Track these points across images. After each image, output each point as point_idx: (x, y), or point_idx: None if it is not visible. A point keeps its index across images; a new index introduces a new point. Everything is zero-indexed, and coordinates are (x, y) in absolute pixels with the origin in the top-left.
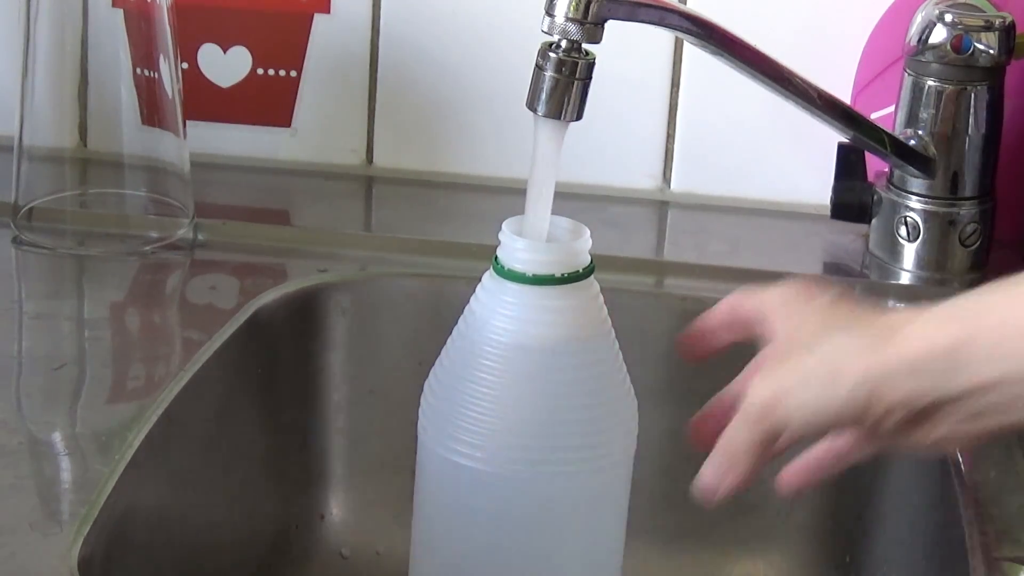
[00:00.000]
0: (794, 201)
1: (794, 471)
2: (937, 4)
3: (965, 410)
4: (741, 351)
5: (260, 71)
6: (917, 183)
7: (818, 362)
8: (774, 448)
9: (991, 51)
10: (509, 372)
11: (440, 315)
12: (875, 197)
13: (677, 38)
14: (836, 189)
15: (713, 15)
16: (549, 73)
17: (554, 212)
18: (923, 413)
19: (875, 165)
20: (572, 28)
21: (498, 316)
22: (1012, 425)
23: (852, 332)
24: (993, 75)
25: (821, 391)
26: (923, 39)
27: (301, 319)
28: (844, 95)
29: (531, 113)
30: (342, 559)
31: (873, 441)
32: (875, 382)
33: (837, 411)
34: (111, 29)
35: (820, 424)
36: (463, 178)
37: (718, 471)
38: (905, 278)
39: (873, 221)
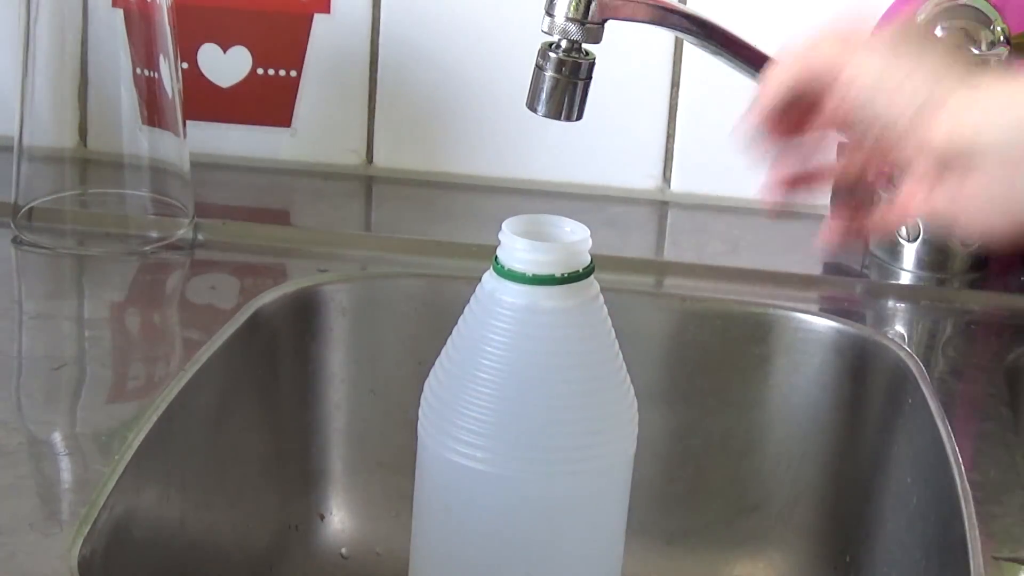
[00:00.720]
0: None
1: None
2: (937, 4)
3: (1009, 164)
4: (744, 352)
5: (260, 71)
6: None
7: (908, 53)
8: (829, 110)
9: (991, 51)
10: (509, 372)
11: (440, 315)
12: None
13: (677, 38)
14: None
15: (713, 15)
16: (549, 73)
17: (555, 212)
18: (973, 154)
19: None
20: (572, 28)
21: (498, 316)
22: None
23: (947, 64)
24: None
25: (891, 71)
26: None
27: (301, 319)
28: None
29: (531, 113)
30: (342, 559)
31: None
32: (950, 93)
33: (892, 108)
34: (111, 29)
35: (866, 115)
36: (463, 178)
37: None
38: (905, 278)
39: None
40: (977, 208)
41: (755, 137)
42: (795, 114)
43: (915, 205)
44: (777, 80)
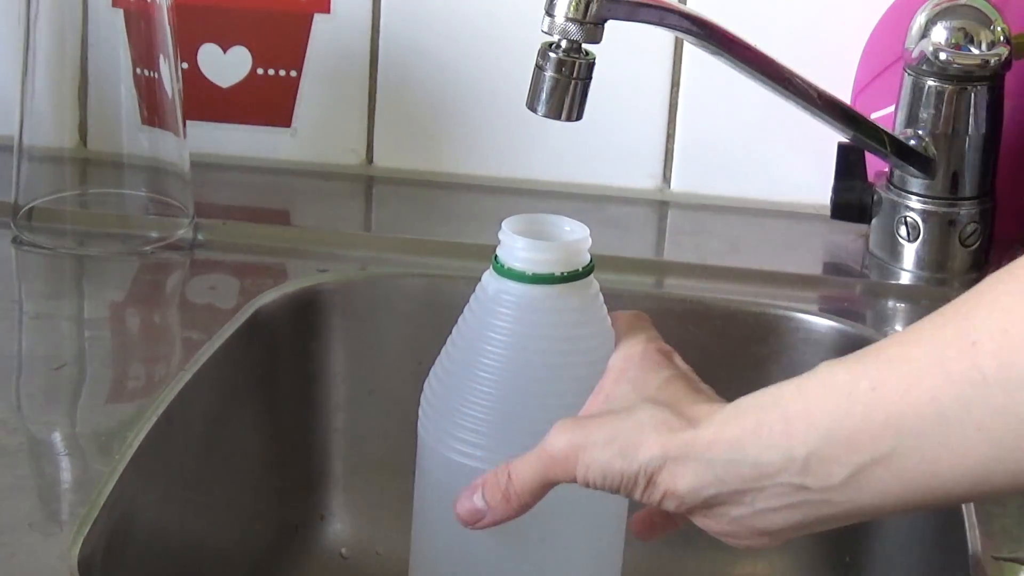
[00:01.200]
0: (794, 201)
1: (637, 522)
2: (937, 4)
3: (745, 507)
4: (744, 352)
5: (260, 71)
6: (917, 183)
7: (626, 428)
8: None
9: (991, 51)
10: (509, 371)
11: (440, 315)
12: (875, 197)
13: (677, 38)
14: (836, 189)
15: (713, 15)
16: (549, 73)
17: (555, 212)
18: (706, 504)
19: (875, 165)
20: (572, 28)
21: (498, 315)
22: (794, 528)
23: (666, 409)
24: (993, 75)
25: (616, 456)
26: (923, 39)
27: (301, 319)
28: (844, 95)
29: (531, 113)
30: (342, 559)
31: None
32: (665, 463)
33: (626, 480)
34: (111, 29)
35: (608, 487)
36: (463, 178)
37: (495, 498)
38: (905, 278)
39: (873, 221)
40: (733, 533)
41: None
42: None
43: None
44: (523, 480)
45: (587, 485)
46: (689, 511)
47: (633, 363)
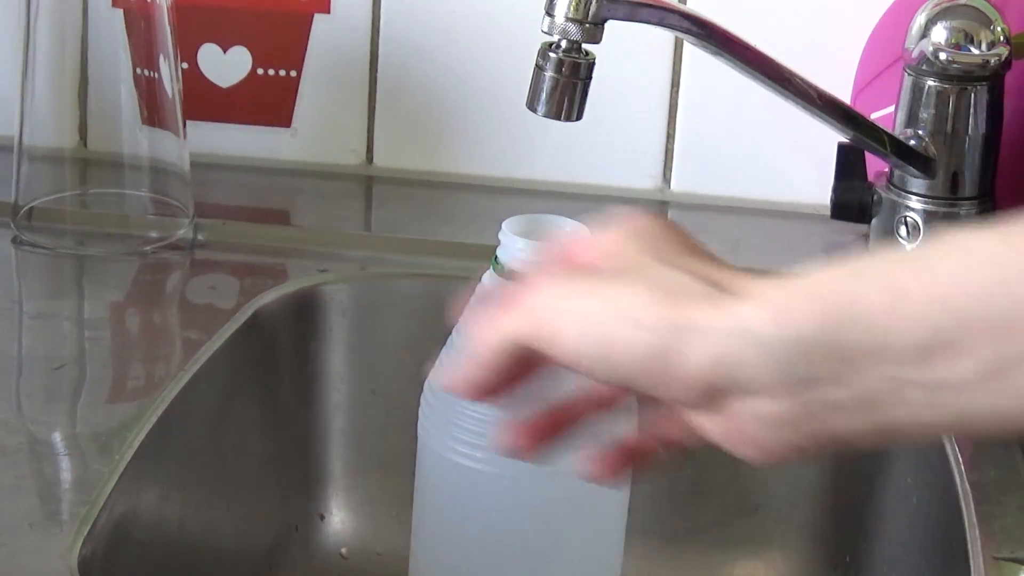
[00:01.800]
0: (794, 201)
1: (597, 458)
2: (937, 4)
3: (780, 388)
4: None
5: (260, 71)
6: (917, 183)
7: (640, 287)
8: (518, 375)
9: (991, 51)
10: None
11: (440, 315)
12: (875, 197)
13: (677, 38)
14: (836, 189)
15: (713, 15)
16: (549, 73)
17: (555, 212)
18: (729, 388)
19: (875, 165)
20: (572, 28)
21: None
22: (883, 432)
23: (690, 274)
24: (993, 75)
25: (621, 322)
26: (923, 39)
27: (301, 319)
28: (844, 95)
29: (531, 113)
30: (342, 559)
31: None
32: (723, 346)
33: (634, 358)
34: (111, 29)
35: (599, 365)
36: (463, 178)
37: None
38: None
39: (873, 221)
40: (752, 433)
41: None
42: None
43: (684, 433)
44: (496, 339)
45: (564, 362)
46: (711, 396)
47: (642, 232)
